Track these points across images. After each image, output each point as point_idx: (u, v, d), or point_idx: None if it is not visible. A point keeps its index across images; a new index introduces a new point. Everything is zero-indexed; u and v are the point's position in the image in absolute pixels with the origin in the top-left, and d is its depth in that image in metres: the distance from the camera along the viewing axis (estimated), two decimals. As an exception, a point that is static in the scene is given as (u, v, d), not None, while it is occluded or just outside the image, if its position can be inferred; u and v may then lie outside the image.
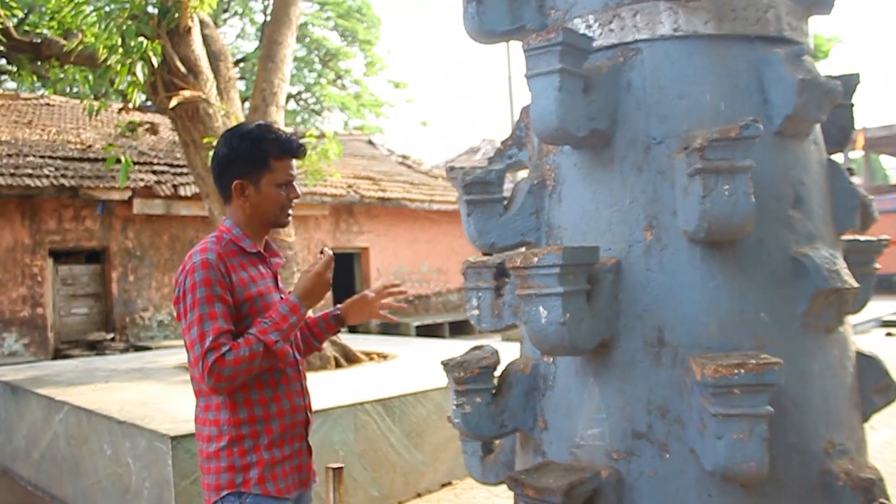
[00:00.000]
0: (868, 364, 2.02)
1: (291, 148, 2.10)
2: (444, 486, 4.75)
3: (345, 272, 15.11)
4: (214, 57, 7.08)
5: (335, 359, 6.30)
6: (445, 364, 2.15)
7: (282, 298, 2.05)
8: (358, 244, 15.09)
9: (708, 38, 1.87)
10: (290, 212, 2.14)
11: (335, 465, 2.32)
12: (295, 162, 2.14)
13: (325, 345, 6.47)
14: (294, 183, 2.14)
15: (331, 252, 2.08)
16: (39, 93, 15.38)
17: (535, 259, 1.71)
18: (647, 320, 1.83)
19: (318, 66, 25.14)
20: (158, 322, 12.33)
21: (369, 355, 6.81)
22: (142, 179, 11.68)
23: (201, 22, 7.12)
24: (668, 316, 1.81)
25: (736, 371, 1.52)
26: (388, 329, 14.67)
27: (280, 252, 2.29)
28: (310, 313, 2.24)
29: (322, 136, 7.51)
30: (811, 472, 1.77)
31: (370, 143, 20.12)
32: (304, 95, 25.78)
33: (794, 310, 1.81)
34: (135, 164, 12.05)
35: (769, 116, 1.86)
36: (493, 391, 2.12)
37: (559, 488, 1.68)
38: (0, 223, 10.43)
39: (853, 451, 1.86)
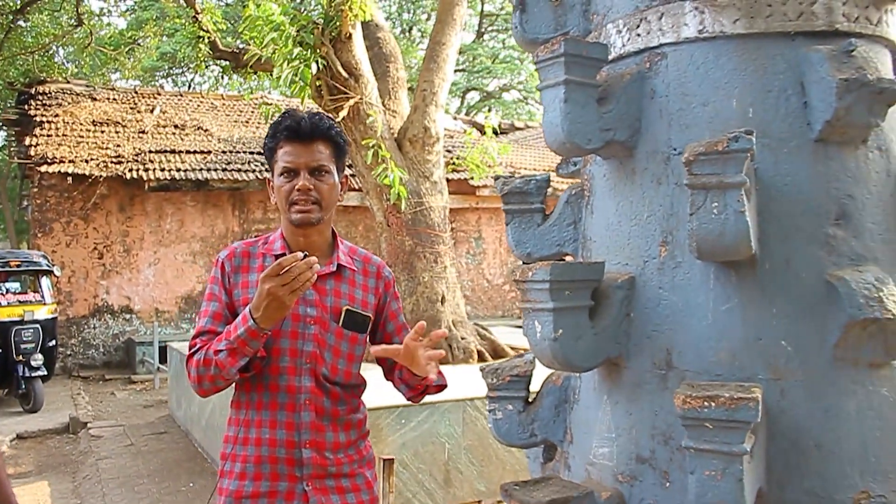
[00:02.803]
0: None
1: (280, 132, 1.85)
2: (562, 487, 4.70)
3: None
4: (385, 58, 7.50)
5: (479, 352, 6.44)
6: (482, 370, 2.19)
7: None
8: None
9: (738, 38, 1.71)
10: (302, 206, 1.83)
11: (386, 457, 2.44)
12: (301, 146, 1.84)
13: (472, 338, 6.65)
14: (303, 171, 1.83)
15: (300, 255, 1.66)
16: (260, 93, 17.11)
17: (529, 274, 1.70)
18: (656, 341, 1.74)
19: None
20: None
21: (517, 350, 6.87)
22: (336, 173, 12.64)
23: (375, 25, 7.57)
24: (677, 338, 1.70)
25: (706, 404, 1.41)
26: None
27: (356, 257, 2.04)
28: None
29: (481, 134, 7.65)
30: (834, 523, 1.58)
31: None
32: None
33: (825, 340, 1.62)
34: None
35: (809, 122, 1.68)
36: (527, 400, 2.14)
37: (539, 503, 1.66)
38: (214, 213, 11.87)
39: (900, 506, 1.63)
